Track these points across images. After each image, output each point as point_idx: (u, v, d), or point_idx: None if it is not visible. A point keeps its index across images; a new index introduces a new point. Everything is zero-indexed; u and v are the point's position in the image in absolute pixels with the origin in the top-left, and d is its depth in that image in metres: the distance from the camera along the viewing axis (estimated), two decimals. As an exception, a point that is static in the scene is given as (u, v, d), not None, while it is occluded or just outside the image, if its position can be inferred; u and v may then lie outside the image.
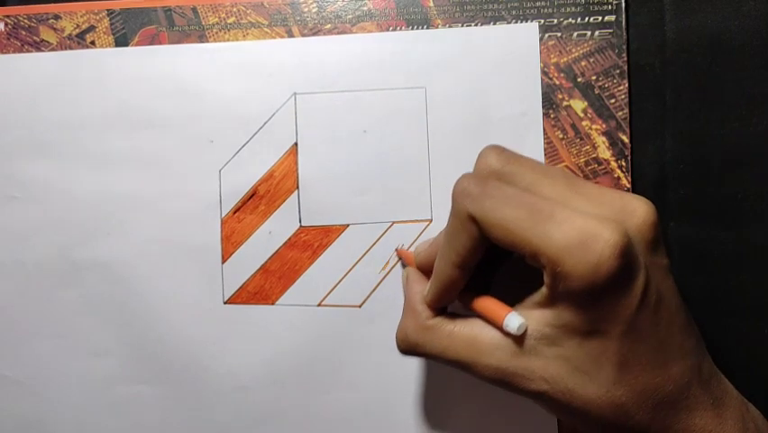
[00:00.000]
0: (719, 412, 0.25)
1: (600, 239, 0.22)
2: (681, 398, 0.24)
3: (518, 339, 0.24)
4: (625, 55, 0.34)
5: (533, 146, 0.34)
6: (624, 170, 0.34)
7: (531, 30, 0.34)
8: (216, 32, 0.34)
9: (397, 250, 0.33)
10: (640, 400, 0.24)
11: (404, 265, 0.33)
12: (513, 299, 0.25)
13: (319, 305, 0.34)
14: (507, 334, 0.24)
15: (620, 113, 0.34)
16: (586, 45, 0.34)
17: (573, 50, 0.34)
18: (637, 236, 0.24)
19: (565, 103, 0.34)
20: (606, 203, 0.24)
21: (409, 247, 0.33)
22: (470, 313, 0.27)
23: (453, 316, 0.27)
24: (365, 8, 0.34)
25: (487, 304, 0.26)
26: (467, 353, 0.25)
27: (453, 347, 0.26)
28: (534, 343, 0.24)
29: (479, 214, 0.24)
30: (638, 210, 0.24)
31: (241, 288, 0.34)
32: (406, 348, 0.28)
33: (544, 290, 0.24)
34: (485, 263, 0.26)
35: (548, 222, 0.23)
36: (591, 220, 0.22)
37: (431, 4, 0.34)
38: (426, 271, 0.29)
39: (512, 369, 0.24)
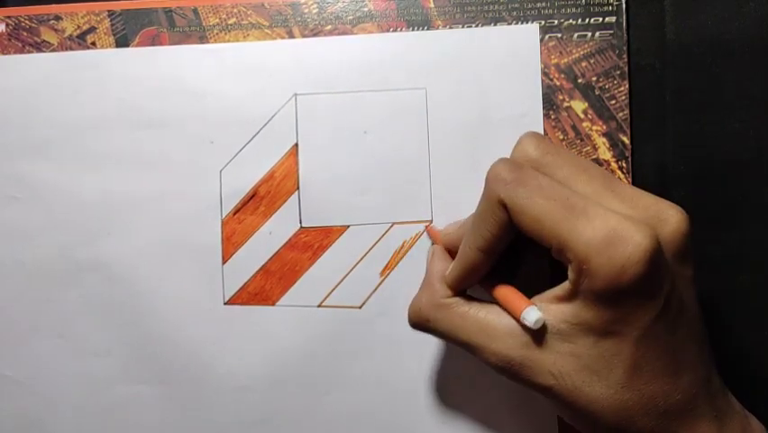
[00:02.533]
0: (721, 426, 0.25)
1: (631, 241, 0.22)
2: (687, 408, 0.24)
3: (533, 332, 0.24)
4: (625, 56, 0.34)
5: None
6: (624, 171, 0.34)
7: (531, 31, 0.34)
8: (217, 33, 0.35)
9: (427, 227, 0.33)
10: (646, 405, 0.23)
11: (433, 243, 0.33)
12: (533, 290, 0.25)
13: (319, 306, 0.34)
14: (523, 326, 0.24)
15: (621, 114, 0.34)
16: (586, 46, 0.34)
17: (574, 51, 0.34)
18: (668, 244, 0.23)
19: (566, 104, 0.34)
20: (641, 206, 0.24)
21: (431, 222, 0.33)
22: (488, 299, 0.26)
23: (470, 298, 0.27)
24: (366, 9, 0.34)
25: (508, 293, 0.26)
26: (478, 336, 0.25)
27: (465, 328, 0.26)
28: (547, 336, 0.24)
29: (510, 200, 0.24)
30: (672, 218, 0.24)
31: (241, 288, 0.34)
32: (417, 322, 0.27)
33: (566, 285, 0.24)
34: (511, 253, 0.26)
35: (580, 217, 0.22)
36: (624, 221, 0.22)
37: (431, 5, 0.34)
38: (452, 251, 0.28)
39: (521, 359, 0.24)
